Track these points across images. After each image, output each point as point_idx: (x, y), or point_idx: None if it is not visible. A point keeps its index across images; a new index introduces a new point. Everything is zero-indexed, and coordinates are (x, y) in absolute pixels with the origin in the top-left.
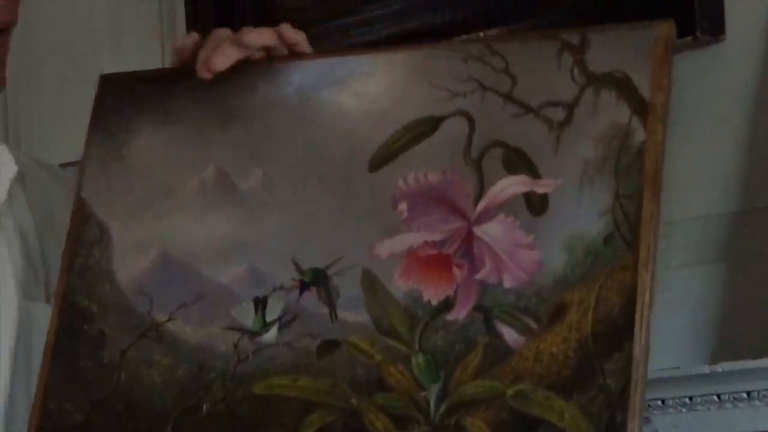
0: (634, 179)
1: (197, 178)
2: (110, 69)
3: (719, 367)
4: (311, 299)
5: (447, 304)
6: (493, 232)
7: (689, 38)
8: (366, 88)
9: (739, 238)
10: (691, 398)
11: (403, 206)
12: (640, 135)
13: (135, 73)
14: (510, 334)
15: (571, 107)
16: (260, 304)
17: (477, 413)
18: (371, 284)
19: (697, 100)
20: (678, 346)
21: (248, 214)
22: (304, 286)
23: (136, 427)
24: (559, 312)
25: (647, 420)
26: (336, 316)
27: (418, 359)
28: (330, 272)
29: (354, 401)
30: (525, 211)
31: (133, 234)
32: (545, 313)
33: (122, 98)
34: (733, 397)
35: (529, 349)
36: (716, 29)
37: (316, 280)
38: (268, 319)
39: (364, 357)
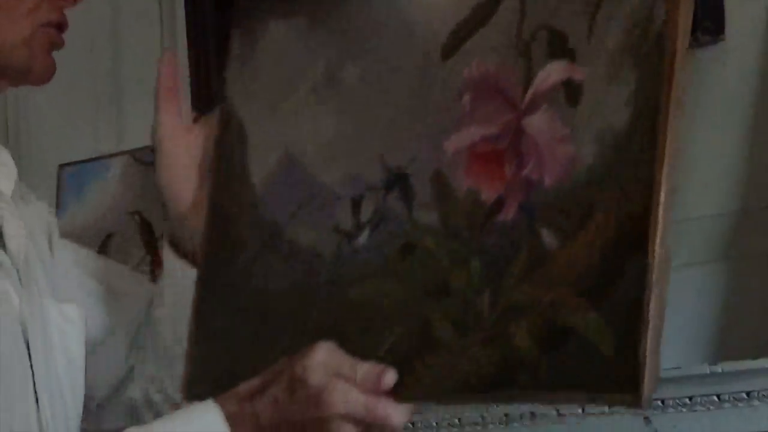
0: (654, 67)
1: (311, 76)
2: (109, 68)
3: (719, 368)
4: (394, 199)
5: (499, 204)
6: (537, 124)
7: (690, 38)
8: None
9: (739, 238)
10: (691, 398)
11: (466, 97)
12: (659, 21)
13: None
14: (548, 237)
15: None
16: (356, 204)
17: (521, 321)
18: (441, 184)
19: (697, 99)
20: (678, 346)
21: (347, 110)
22: (389, 186)
23: (265, 333)
24: (588, 212)
25: (647, 420)
26: (412, 215)
27: (476, 262)
28: (409, 171)
29: (426, 307)
30: (563, 102)
31: (264, 134)
32: (577, 213)
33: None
34: (733, 398)
35: (563, 254)
36: (716, 30)
37: (397, 180)
38: (363, 219)
39: (434, 261)
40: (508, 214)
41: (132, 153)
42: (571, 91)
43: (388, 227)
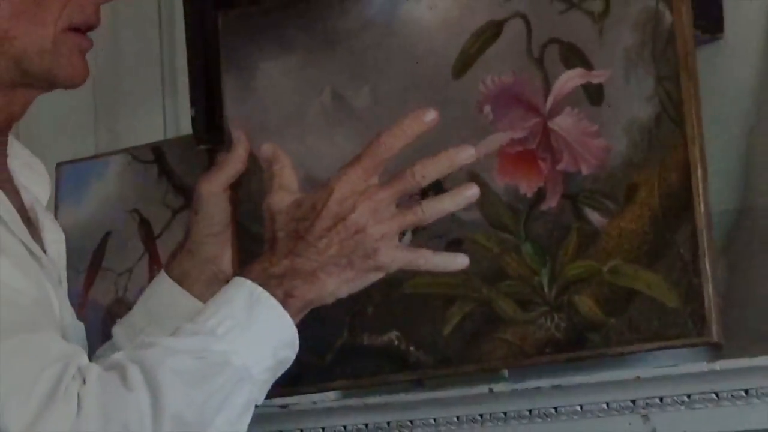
0: (670, 61)
1: (318, 101)
2: (108, 68)
3: (717, 365)
4: None
5: (540, 195)
6: (565, 124)
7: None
8: (437, 0)
9: (738, 236)
10: (689, 396)
11: (487, 109)
12: (667, 18)
13: (248, 9)
14: (595, 217)
15: None
16: None
17: (583, 291)
18: (477, 184)
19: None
20: None
21: (361, 129)
22: (424, 193)
23: (321, 332)
24: (631, 192)
25: (645, 418)
26: (454, 215)
27: (527, 248)
28: (441, 179)
29: (484, 290)
30: (586, 102)
31: None
32: (620, 194)
33: (240, 35)
34: (732, 395)
35: (613, 228)
36: (715, 28)
37: (433, 185)
38: None
39: (484, 250)
40: (552, 202)
41: (131, 151)
42: (592, 93)
43: (430, 229)
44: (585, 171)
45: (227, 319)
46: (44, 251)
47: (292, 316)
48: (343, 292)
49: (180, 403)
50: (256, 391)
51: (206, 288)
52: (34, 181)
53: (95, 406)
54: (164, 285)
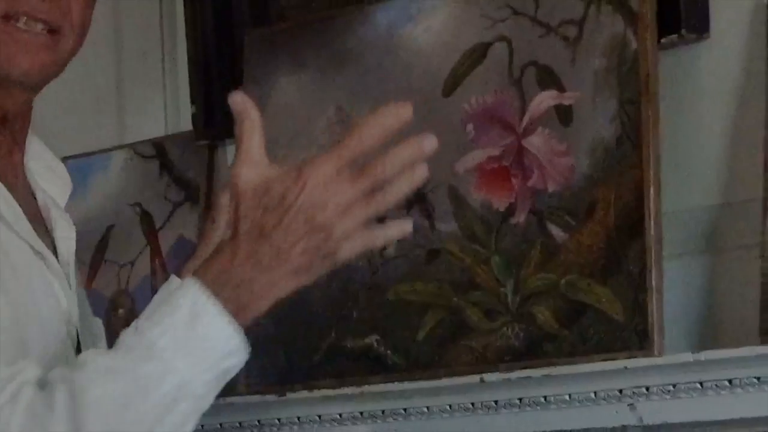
0: (633, 86)
1: (324, 117)
2: (110, 66)
3: (702, 356)
4: (415, 215)
5: (511, 210)
6: (537, 143)
7: (675, 36)
8: (432, 22)
9: (723, 230)
10: (674, 385)
11: (470, 127)
12: (633, 44)
13: (271, 30)
14: (557, 232)
15: (581, 24)
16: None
17: (541, 302)
18: (455, 198)
19: (682, 95)
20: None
21: None
22: (409, 205)
23: (309, 333)
24: (590, 209)
25: (632, 406)
26: (434, 227)
27: (496, 259)
28: (426, 191)
29: (455, 299)
30: (557, 123)
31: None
32: (581, 210)
33: (262, 52)
34: (716, 385)
35: (572, 243)
36: (701, 28)
37: (417, 198)
38: None
39: (458, 261)
40: (520, 217)
41: (133, 146)
42: (563, 114)
43: (412, 240)
44: (551, 188)
45: (168, 332)
46: (55, 249)
47: (242, 325)
48: (291, 292)
49: (104, 429)
50: (193, 406)
51: None
52: (54, 183)
53: (16, 430)
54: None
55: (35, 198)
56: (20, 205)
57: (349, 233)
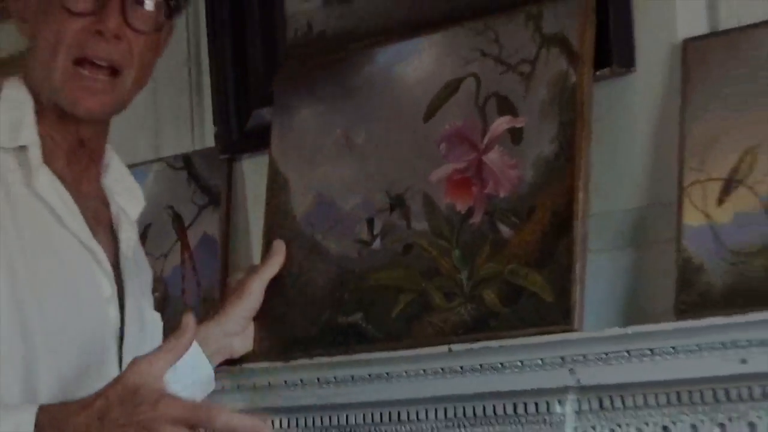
0: (570, 112)
1: (333, 138)
2: (149, 99)
3: (629, 330)
4: (396, 217)
5: (470, 212)
6: (493, 158)
7: (607, 70)
8: (419, 62)
9: (645, 228)
10: (606, 354)
11: (443, 146)
12: (573, 78)
13: (297, 70)
14: (505, 230)
15: (533, 62)
16: (369, 223)
17: (489, 287)
18: (428, 203)
19: (613, 118)
20: (597, 314)
21: (361, 162)
22: (392, 208)
23: (309, 312)
24: (531, 211)
25: (572, 371)
26: (410, 226)
27: (456, 252)
28: (405, 197)
29: (423, 284)
30: (510, 142)
31: (302, 181)
32: (524, 212)
33: (288, 83)
34: (639, 354)
35: (516, 239)
36: (628, 63)
37: (399, 203)
38: (375, 232)
39: (427, 253)
40: (477, 218)
41: (166, 160)
42: (515, 135)
43: (393, 236)
44: (502, 194)
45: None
46: (116, 255)
47: None
48: None
49: None
50: None
51: (216, 354)
52: (129, 200)
53: None
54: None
55: (108, 207)
56: (86, 209)
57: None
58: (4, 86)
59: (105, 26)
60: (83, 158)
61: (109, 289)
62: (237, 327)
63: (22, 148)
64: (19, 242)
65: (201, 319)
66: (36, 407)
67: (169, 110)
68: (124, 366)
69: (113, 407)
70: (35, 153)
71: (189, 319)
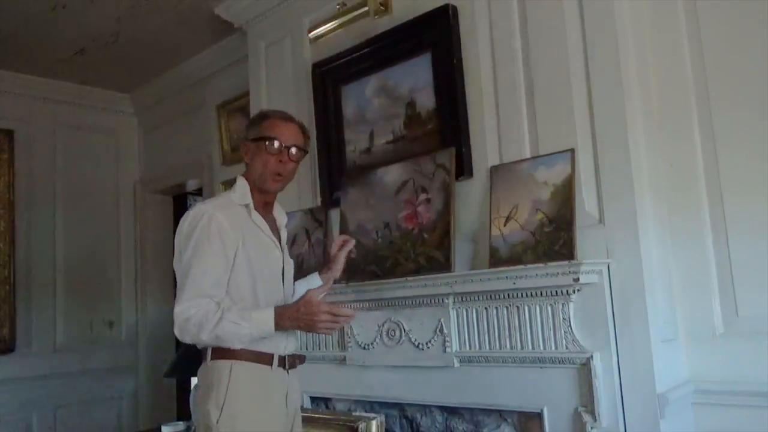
0: (446, 194)
1: (363, 201)
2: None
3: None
4: (387, 230)
5: (412, 229)
6: (420, 209)
7: (463, 176)
8: (393, 174)
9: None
10: (472, 281)
11: (402, 204)
12: (447, 179)
13: (351, 172)
14: (426, 236)
15: (434, 173)
16: (376, 233)
17: (420, 257)
18: (398, 226)
19: (469, 199)
20: (462, 262)
21: (372, 210)
22: (385, 227)
23: (357, 265)
24: (434, 228)
25: (450, 286)
26: (392, 234)
27: (408, 244)
28: (390, 223)
29: (397, 255)
30: (426, 203)
31: (352, 218)
32: (432, 229)
33: (347, 179)
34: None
35: (429, 239)
36: (470, 172)
37: (387, 225)
38: (378, 237)
39: (398, 247)
40: (415, 231)
41: (302, 210)
42: (428, 201)
43: (387, 238)
44: (424, 222)
45: (256, 319)
46: (279, 241)
47: (278, 327)
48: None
49: (218, 334)
50: (247, 339)
51: (325, 280)
52: (281, 219)
53: (196, 314)
54: (314, 278)
55: (275, 224)
56: (269, 225)
57: (323, 326)
58: (238, 179)
59: (283, 158)
60: (269, 207)
61: (279, 253)
62: (334, 274)
63: (247, 205)
64: (249, 241)
65: (317, 268)
66: (272, 308)
67: (303, 187)
68: (285, 286)
69: (301, 307)
70: (251, 206)
71: (331, 276)
